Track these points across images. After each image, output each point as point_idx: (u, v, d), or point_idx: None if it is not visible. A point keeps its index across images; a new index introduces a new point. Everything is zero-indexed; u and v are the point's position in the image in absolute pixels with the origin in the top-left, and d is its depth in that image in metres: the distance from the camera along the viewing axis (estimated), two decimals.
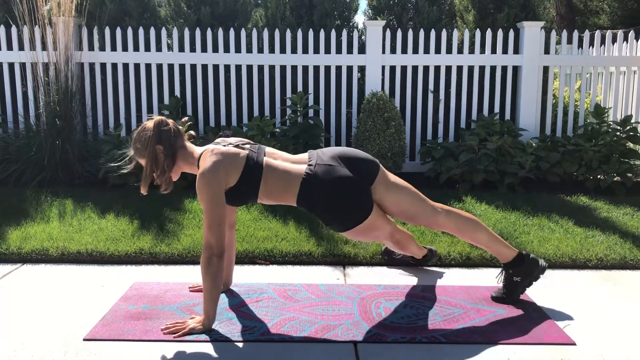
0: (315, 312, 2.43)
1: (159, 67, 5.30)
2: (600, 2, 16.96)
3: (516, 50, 5.26)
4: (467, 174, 4.63)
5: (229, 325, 2.29)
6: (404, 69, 5.31)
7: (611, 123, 4.85)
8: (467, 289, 2.69)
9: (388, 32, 5.21)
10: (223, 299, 2.53)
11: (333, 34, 5.17)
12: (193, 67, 5.30)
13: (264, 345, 2.15)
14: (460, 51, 5.33)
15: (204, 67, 5.30)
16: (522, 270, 2.51)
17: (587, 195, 4.42)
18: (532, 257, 2.53)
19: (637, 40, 5.41)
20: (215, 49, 5.30)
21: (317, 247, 3.16)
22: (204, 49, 5.30)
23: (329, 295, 2.61)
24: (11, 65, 5.21)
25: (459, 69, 5.30)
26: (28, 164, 4.64)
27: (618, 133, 4.74)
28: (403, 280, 2.83)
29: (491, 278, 2.81)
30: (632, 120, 4.82)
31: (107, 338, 2.19)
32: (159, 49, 5.31)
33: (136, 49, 5.28)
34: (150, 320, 2.34)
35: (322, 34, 5.18)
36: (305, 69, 5.30)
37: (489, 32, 5.21)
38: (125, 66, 5.29)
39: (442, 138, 5.32)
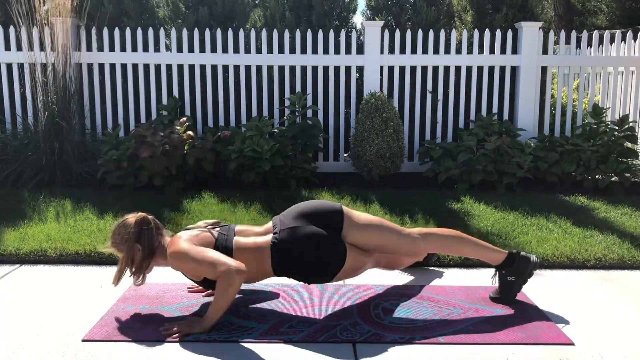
0: (314, 313, 2.43)
1: (158, 67, 5.29)
2: (598, 3, 16.99)
3: (514, 51, 5.26)
4: (466, 174, 4.63)
5: (228, 326, 2.29)
6: (402, 69, 5.31)
7: (609, 123, 4.85)
8: (465, 289, 2.70)
9: (386, 33, 5.22)
10: None
11: (331, 34, 5.17)
12: (191, 67, 5.30)
13: (263, 346, 2.15)
14: (458, 51, 5.33)
15: (203, 68, 5.30)
16: (514, 270, 2.52)
17: (586, 195, 4.42)
18: (522, 255, 2.53)
19: (634, 41, 5.42)
20: (214, 50, 5.29)
21: None
22: (202, 50, 5.30)
23: (328, 295, 2.61)
24: (9, 66, 5.20)
25: (457, 69, 5.31)
26: (26, 164, 4.63)
27: (616, 133, 4.75)
28: (402, 280, 2.83)
29: (490, 278, 2.81)
30: (630, 120, 4.82)
31: (106, 339, 2.19)
32: (157, 49, 5.31)
33: (134, 49, 5.27)
34: (149, 321, 2.33)
35: (320, 34, 5.18)
36: (303, 69, 5.30)
37: (487, 33, 5.21)
38: (124, 67, 5.28)
39: (441, 138, 5.33)
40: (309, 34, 5.19)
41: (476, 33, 5.23)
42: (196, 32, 5.20)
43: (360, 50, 5.36)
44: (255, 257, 2.38)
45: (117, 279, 2.38)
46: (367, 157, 4.72)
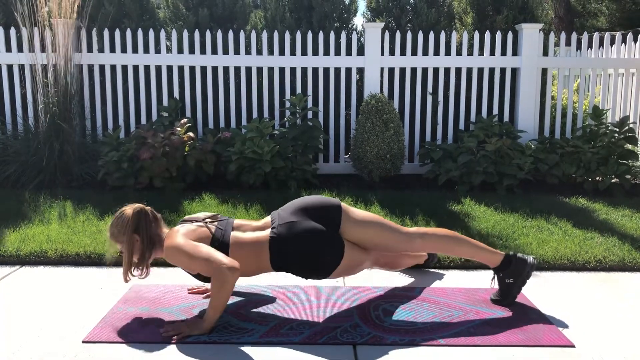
0: (314, 314, 2.43)
1: (158, 69, 5.30)
2: (599, 4, 16.99)
3: (515, 52, 5.27)
4: (466, 175, 4.64)
5: (227, 328, 2.29)
6: (402, 70, 5.31)
7: (609, 125, 4.85)
8: (466, 291, 2.70)
9: (387, 34, 5.22)
10: None
11: (332, 35, 5.18)
12: (192, 69, 5.30)
13: (263, 348, 2.15)
14: (458, 53, 5.34)
15: (203, 69, 5.30)
16: (511, 272, 2.52)
17: (586, 197, 4.42)
18: (519, 256, 2.53)
19: (635, 42, 5.42)
20: (214, 51, 5.30)
21: None
22: (202, 51, 5.31)
23: (328, 297, 2.61)
24: (10, 67, 5.21)
25: (458, 70, 5.31)
26: (27, 165, 4.63)
27: (616, 135, 4.75)
28: (402, 282, 2.83)
29: (489, 281, 2.81)
30: (630, 122, 4.82)
31: (106, 340, 2.19)
32: (157, 50, 5.32)
33: (135, 50, 5.28)
34: (149, 323, 2.33)
35: (321, 35, 5.19)
36: (304, 70, 5.30)
37: (487, 34, 5.22)
38: (124, 68, 5.29)
39: (441, 140, 5.33)
40: (310, 35, 5.19)
41: (476, 35, 5.23)
42: (197, 34, 5.21)
43: (361, 51, 5.36)
44: (254, 252, 2.37)
45: (126, 273, 2.37)
46: (368, 158, 4.72)
